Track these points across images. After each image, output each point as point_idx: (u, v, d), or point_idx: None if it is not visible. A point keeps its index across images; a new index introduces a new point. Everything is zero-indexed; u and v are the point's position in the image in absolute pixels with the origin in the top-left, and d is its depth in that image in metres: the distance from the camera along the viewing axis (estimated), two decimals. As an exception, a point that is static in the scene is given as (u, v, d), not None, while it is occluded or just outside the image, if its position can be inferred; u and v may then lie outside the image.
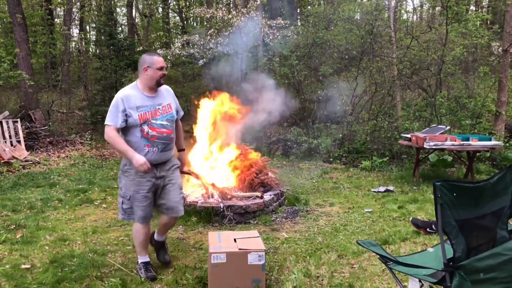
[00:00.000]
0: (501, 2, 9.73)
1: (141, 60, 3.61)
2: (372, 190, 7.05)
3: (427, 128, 8.22)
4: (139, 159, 3.45)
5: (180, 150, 4.04)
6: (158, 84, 3.61)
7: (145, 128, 3.52)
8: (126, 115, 3.48)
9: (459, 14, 9.34)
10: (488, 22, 11.82)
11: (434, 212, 2.54)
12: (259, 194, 5.73)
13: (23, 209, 5.84)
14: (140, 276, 3.65)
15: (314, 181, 7.91)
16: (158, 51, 12.66)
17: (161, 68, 3.57)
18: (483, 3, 16.78)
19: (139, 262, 3.78)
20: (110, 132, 3.47)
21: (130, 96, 3.51)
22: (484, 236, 2.64)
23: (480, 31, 9.87)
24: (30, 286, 3.48)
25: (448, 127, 7.87)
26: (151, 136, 3.54)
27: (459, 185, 2.55)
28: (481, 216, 2.62)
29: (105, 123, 3.50)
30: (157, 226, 4.06)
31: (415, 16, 20.05)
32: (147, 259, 3.79)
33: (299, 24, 14.68)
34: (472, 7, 15.94)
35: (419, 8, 20.38)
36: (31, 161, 9.03)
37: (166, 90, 3.77)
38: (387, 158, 9.10)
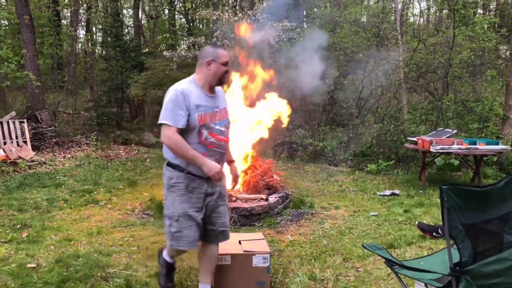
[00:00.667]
0: (509, 5, 9.67)
1: (203, 52, 3.08)
2: (378, 193, 7.02)
3: (434, 132, 8.18)
4: (213, 167, 2.86)
5: (231, 161, 3.44)
6: (220, 82, 3.09)
7: (204, 132, 2.94)
8: (188, 114, 2.87)
9: (467, 17, 9.29)
10: (496, 25, 11.75)
11: (440, 216, 2.52)
12: (264, 196, 5.72)
13: (29, 208, 5.87)
14: None
15: (319, 184, 7.89)
16: (164, 52, 12.68)
17: (225, 64, 3.03)
18: (491, 6, 16.69)
19: None
20: (173, 135, 2.82)
21: (190, 92, 2.92)
22: (491, 240, 2.62)
23: (487, 35, 9.81)
24: (35, 285, 3.49)
25: (455, 131, 7.82)
26: (210, 143, 2.97)
27: (466, 189, 2.53)
28: (488, 220, 2.60)
29: (161, 122, 2.85)
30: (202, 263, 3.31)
31: (422, 19, 20.01)
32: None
33: (305, 26, 14.68)
34: (480, 10, 15.86)
35: (426, 11, 20.33)
36: (37, 161, 9.07)
37: (220, 91, 3.22)
38: (393, 161, 9.06)
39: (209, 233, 3.13)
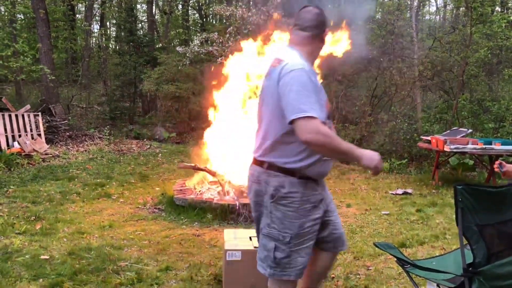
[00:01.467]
0: (528, 3, 9.49)
1: (316, 17, 2.36)
2: (390, 192, 6.96)
3: (448, 131, 8.07)
4: (374, 155, 2.21)
5: None
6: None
7: (328, 126, 2.28)
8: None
9: (484, 15, 9.13)
10: (514, 23, 11.54)
11: (453, 216, 2.49)
12: (275, 193, 5.70)
13: (43, 201, 5.94)
14: None
15: (331, 181, 7.84)
16: (177, 48, 12.71)
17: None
18: (509, 4, 16.39)
19: None
20: (322, 128, 2.11)
21: (312, 72, 2.28)
22: (505, 242, 2.58)
23: (505, 33, 9.63)
24: (48, 276, 3.53)
25: (470, 130, 7.72)
26: None
27: (481, 189, 2.50)
28: (503, 221, 2.57)
29: (302, 114, 2.10)
30: (306, 278, 2.66)
31: (438, 17, 19.73)
32: None
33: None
34: (498, 8, 15.59)
35: (443, 8, 20.03)
36: (50, 154, 9.17)
37: None
38: (406, 160, 8.97)
39: (324, 241, 2.54)
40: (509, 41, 10.10)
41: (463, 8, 11.95)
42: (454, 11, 15.72)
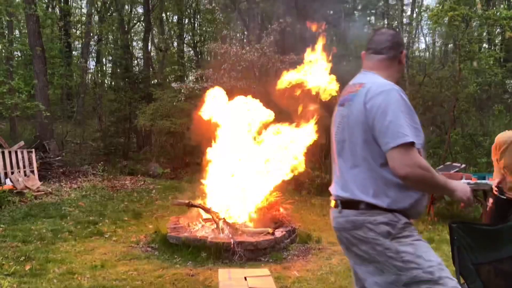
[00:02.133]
0: (514, 40, 9.80)
1: (392, 38, 2.20)
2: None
3: (442, 166, 8.12)
4: (465, 187, 2.01)
5: None
6: None
7: (422, 154, 2.01)
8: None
9: (472, 52, 9.39)
10: (502, 60, 11.86)
11: (450, 253, 2.46)
12: (270, 230, 5.64)
13: (33, 240, 5.82)
14: None
15: (327, 217, 7.77)
16: (173, 84, 12.86)
17: None
18: (496, 41, 16.90)
19: None
20: (421, 160, 1.89)
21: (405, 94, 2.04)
22: (503, 280, 2.56)
23: (493, 69, 9.88)
24: (36, 322, 3.41)
25: (463, 165, 7.77)
26: None
27: (476, 227, 2.50)
28: (499, 259, 2.55)
29: (402, 141, 1.84)
30: None
31: (427, 54, 20.26)
32: None
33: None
34: (485, 45, 16.06)
35: (432, 45, 20.61)
36: (43, 191, 9.07)
37: None
38: (401, 195, 8.95)
39: None
40: (497, 77, 10.35)
41: (451, 45, 12.29)
42: (443, 48, 16.16)
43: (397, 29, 13.00)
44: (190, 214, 6.44)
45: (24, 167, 9.69)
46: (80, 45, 22.32)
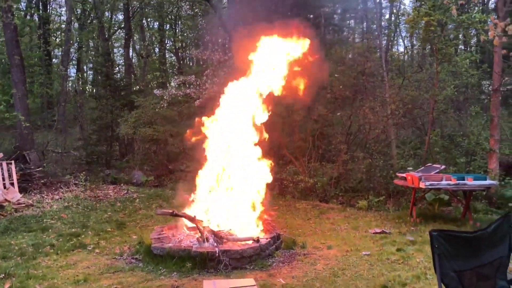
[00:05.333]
0: (489, 43, 10.01)
1: None
2: (370, 231, 6.97)
3: (422, 167, 8.24)
4: None
5: None
6: None
7: None
8: None
9: (448, 54, 9.56)
10: (478, 61, 12.11)
11: (432, 257, 2.50)
12: (255, 237, 5.65)
13: (14, 255, 5.70)
14: None
15: (311, 221, 7.83)
16: (155, 91, 12.80)
17: None
18: (472, 42, 17.25)
19: None
20: None
21: None
22: (483, 286, 2.61)
23: (469, 71, 10.09)
24: None
25: (443, 167, 7.90)
26: None
27: (456, 235, 2.54)
28: (480, 266, 2.60)
29: None
30: None
31: (406, 56, 20.57)
32: None
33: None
34: (461, 46, 16.37)
35: (410, 48, 20.92)
36: (24, 203, 8.90)
37: None
38: (383, 197, 9.06)
39: None
40: (473, 78, 10.56)
41: (429, 48, 12.50)
42: (421, 51, 16.43)
43: (376, 33, 13.18)
44: (174, 223, 6.41)
45: (3, 179, 9.51)
46: (60, 53, 22.04)
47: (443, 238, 2.50)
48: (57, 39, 22.13)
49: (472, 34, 13.25)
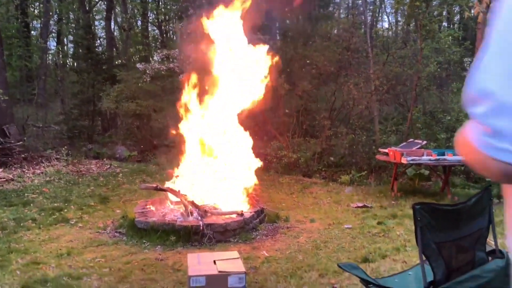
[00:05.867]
0: (472, 20, 10.06)
1: None
2: (352, 205, 7.10)
3: (404, 143, 8.35)
4: None
5: None
6: None
7: None
8: None
9: (432, 31, 9.59)
10: (460, 38, 12.19)
11: (413, 227, 2.57)
12: (239, 211, 5.69)
13: (-5, 229, 5.64)
14: None
15: (294, 196, 7.91)
16: (137, 65, 12.56)
17: None
18: (455, 19, 17.32)
19: None
20: None
21: None
22: (463, 258, 2.68)
23: (452, 48, 10.16)
24: (0, 314, 3.35)
25: (425, 142, 8.02)
26: None
27: (437, 208, 2.59)
28: (460, 238, 2.67)
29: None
30: None
31: (390, 32, 20.56)
32: None
33: (278, 38, 14.83)
34: (445, 23, 16.42)
35: (394, 24, 20.91)
36: (4, 178, 8.76)
37: None
38: (366, 172, 9.19)
39: None
40: (455, 55, 10.64)
41: (413, 24, 12.50)
42: (405, 27, 16.44)
43: (361, 8, 13.10)
44: (158, 197, 6.41)
45: (-18, 153, 9.32)
46: (39, 25, 21.35)
47: (425, 211, 2.54)
48: (36, 10, 21.40)
49: (456, 11, 13.29)
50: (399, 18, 18.59)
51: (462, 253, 2.63)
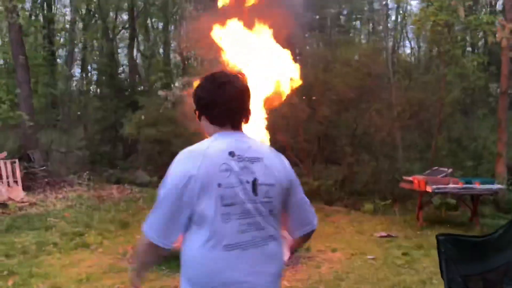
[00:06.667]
0: (496, 45, 9.94)
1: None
2: (375, 234, 6.90)
3: (429, 171, 8.16)
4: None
5: None
6: None
7: None
8: None
9: (455, 56, 9.49)
10: (485, 63, 12.03)
11: (439, 262, 2.45)
12: (259, 239, 5.59)
13: (17, 253, 5.68)
14: None
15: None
16: (159, 92, 12.76)
17: None
18: (479, 44, 17.16)
19: None
20: None
21: None
22: (491, 290, 2.54)
23: (476, 73, 10.00)
24: None
25: (450, 170, 7.81)
26: None
27: (463, 239, 2.49)
28: (487, 271, 2.54)
29: None
30: None
31: (413, 58, 20.49)
32: None
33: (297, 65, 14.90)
34: (469, 48, 16.27)
35: (416, 50, 20.84)
36: (27, 202, 8.89)
37: None
38: (390, 200, 8.97)
39: None
40: (481, 81, 10.47)
41: (436, 49, 12.42)
42: (428, 53, 16.35)
43: (382, 34, 13.12)
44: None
45: (7, 177, 9.50)
46: (64, 53, 22.08)
47: (450, 242, 2.44)
48: (62, 39, 22.17)
49: (479, 36, 13.18)
50: (422, 44, 18.54)
51: (490, 287, 2.50)
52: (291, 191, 1.87)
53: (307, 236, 1.98)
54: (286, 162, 1.92)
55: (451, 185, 6.90)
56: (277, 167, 1.83)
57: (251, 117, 1.87)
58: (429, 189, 6.88)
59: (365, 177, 9.77)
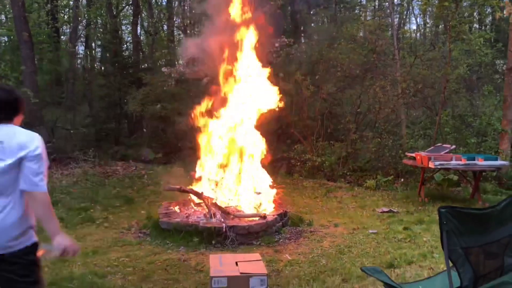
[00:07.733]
0: (504, 21, 9.75)
1: None
2: (377, 210, 6.96)
3: (432, 147, 8.16)
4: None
5: None
6: None
7: None
8: None
9: (462, 32, 9.34)
10: (492, 39, 11.83)
11: (440, 234, 2.48)
12: (262, 214, 5.67)
13: (24, 228, 5.78)
14: None
15: (318, 200, 7.83)
16: (163, 69, 12.71)
17: None
18: (487, 21, 16.85)
19: None
20: None
21: None
22: (491, 264, 2.58)
23: (483, 50, 9.86)
24: (27, 310, 3.41)
25: (453, 146, 7.81)
26: None
27: (465, 212, 2.50)
28: (488, 243, 2.57)
29: None
30: None
31: (418, 34, 20.17)
32: None
33: (302, 41, 14.76)
34: (476, 25, 16.00)
35: (422, 26, 20.50)
36: (34, 178, 8.99)
37: None
38: (392, 177, 9.01)
39: None
40: (487, 57, 10.33)
41: (442, 26, 12.23)
42: (434, 29, 16.10)
43: (388, 10, 12.91)
44: (182, 199, 6.45)
45: (13, 154, 9.59)
46: (68, 30, 21.94)
47: (451, 215, 2.46)
48: (65, 16, 21.98)
49: (487, 12, 12.92)
50: (428, 20, 18.22)
51: (491, 259, 2.53)
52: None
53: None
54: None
55: (453, 161, 6.90)
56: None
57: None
58: (431, 165, 6.90)
59: (368, 154, 9.79)
